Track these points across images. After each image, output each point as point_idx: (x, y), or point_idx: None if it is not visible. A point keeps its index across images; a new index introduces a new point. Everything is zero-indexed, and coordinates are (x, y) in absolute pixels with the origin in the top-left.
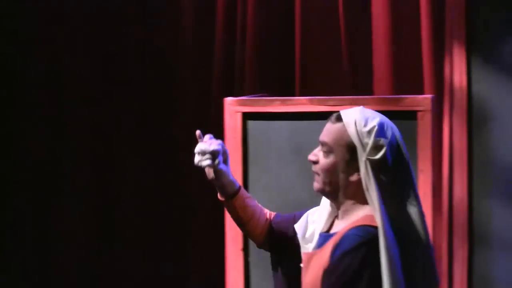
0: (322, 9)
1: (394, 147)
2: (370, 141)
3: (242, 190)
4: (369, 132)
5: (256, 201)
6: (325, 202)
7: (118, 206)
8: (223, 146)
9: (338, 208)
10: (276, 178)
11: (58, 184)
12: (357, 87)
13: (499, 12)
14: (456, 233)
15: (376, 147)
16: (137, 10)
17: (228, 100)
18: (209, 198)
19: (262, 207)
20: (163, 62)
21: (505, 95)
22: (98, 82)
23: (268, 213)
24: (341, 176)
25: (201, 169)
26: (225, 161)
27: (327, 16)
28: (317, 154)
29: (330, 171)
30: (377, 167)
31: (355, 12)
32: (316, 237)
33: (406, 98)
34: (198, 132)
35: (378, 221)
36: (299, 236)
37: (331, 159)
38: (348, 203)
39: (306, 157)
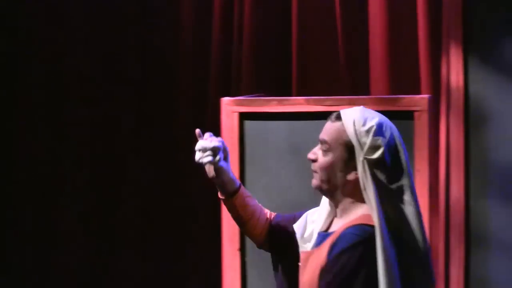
0: (319, 9)
1: (392, 147)
2: (368, 141)
3: (243, 188)
4: (367, 131)
5: (256, 201)
6: (325, 202)
7: (118, 206)
8: (223, 143)
9: (336, 206)
10: (273, 178)
11: (58, 184)
12: (354, 87)
13: (496, 12)
14: (453, 233)
15: (374, 147)
16: (136, 10)
17: (225, 100)
18: (209, 198)
19: (262, 207)
20: (160, 62)
21: (502, 95)
22: (97, 82)
23: (269, 213)
24: (339, 174)
25: (201, 168)
26: (225, 159)
27: (324, 16)
28: (317, 152)
29: (328, 170)
30: (374, 166)
31: (352, 12)
32: (314, 237)
33: (403, 98)
34: (197, 130)
35: (375, 220)
36: (298, 236)
37: (329, 157)
38: (346, 201)
39: (304, 157)
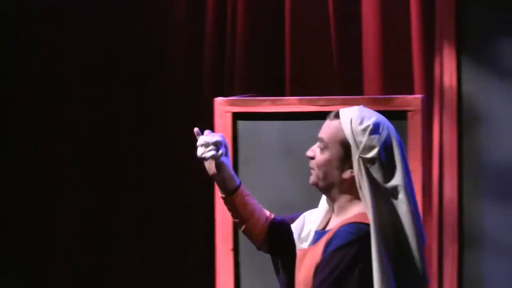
0: (312, 8)
1: (388, 147)
2: (363, 140)
3: (243, 187)
4: (364, 130)
5: (256, 200)
6: (323, 201)
7: (118, 206)
8: (224, 139)
9: (333, 204)
10: (266, 178)
11: (58, 184)
12: (348, 87)
13: (489, 12)
14: (446, 233)
15: (370, 146)
16: (129, 11)
17: (218, 100)
18: (209, 198)
19: (262, 207)
20: (152, 63)
21: (495, 95)
22: (90, 81)
23: (268, 213)
24: (335, 172)
25: (200, 166)
26: (226, 154)
27: (318, 16)
28: (315, 150)
29: (325, 167)
30: (370, 165)
31: (345, 11)
32: (311, 235)
33: (396, 98)
34: (196, 129)
35: (370, 219)
36: (295, 236)
37: (326, 155)
38: (343, 199)
39: (297, 157)
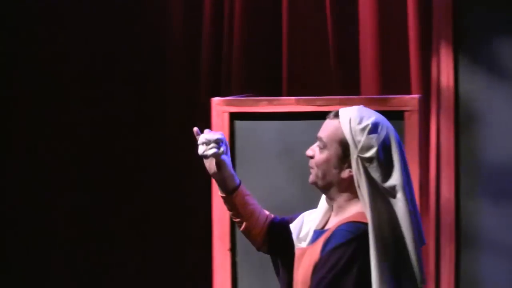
0: (310, 9)
1: (386, 146)
2: (362, 139)
3: (243, 186)
4: (362, 130)
5: (256, 200)
6: (323, 201)
7: (117, 206)
8: (224, 137)
9: (332, 203)
10: (263, 178)
11: (57, 184)
12: (345, 87)
13: (486, 12)
14: (443, 232)
15: (368, 145)
16: (126, 11)
17: (215, 100)
18: (208, 197)
19: (262, 208)
20: (149, 62)
21: (492, 95)
22: (89, 81)
23: (267, 213)
24: (334, 171)
25: (200, 166)
26: (226, 153)
27: (315, 16)
28: (314, 149)
29: (324, 166)
30: (368, 165)
31: (342, 12)
32: (310, 235)
33: (393, 98)
34: (195, 129)
35: (368, 218)
36: (294, 235)
37: (325, 154)
38: (342, 199)
39: (294, 157)
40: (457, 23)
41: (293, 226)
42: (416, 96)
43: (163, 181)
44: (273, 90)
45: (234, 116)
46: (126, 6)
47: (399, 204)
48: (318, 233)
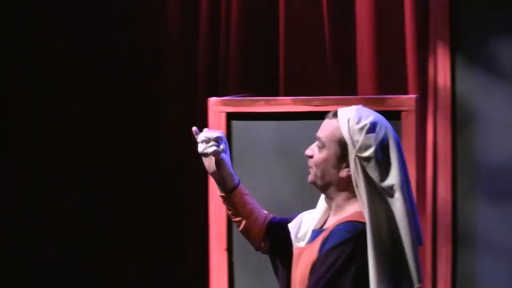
0: (306, 9)
1: (384, 146)
2: (360, 138)
3: (242, 185)
4: (361, 129)
5: (255, 200)
6: (321, 201)
7: (117, 206)
8: (224, 135)
9: (331, 203)
10: (260, 178)
11: (56, 184)
12: (342, 87)
13: (483, 12)
14: (440, 232)
15: (366, 145)
16: (123, 11)
17: (212, 100)
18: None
19: (260, 207)
20: (146, 62)
21: (489, 95)
22: (88, 81)
23: (266, 213)
24: (332, 171)
25: (198, 165)
26: (225, 151)
27: (311, 16)
28: (313, 148)
29: (322, 166)
30: (366, 164)
31: (339, 11)
32: (309, 234)
33: (390, 98)
34: (194, 128)
35: (366, 217)
36: (292, 235)
37: (323, 154)
38: (340, 198)
39: (291, 157)
40: (454, 23)
41: (291, 226)
42: (413, 96)
43: (160, 181)
44: (270, 90)
45: (231, 116)
46: (123, 6)
47: (397, 204)
48: (316, 233)
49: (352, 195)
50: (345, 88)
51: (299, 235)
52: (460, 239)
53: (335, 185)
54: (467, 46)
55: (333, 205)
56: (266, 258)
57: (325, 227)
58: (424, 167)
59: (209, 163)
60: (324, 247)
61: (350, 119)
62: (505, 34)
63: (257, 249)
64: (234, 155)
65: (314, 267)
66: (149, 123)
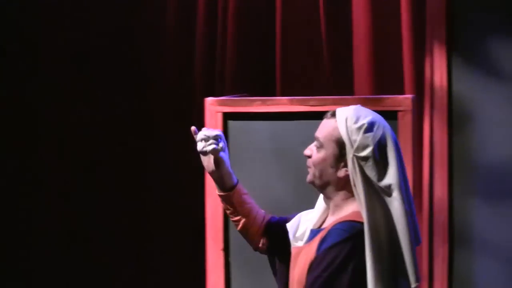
0: (303, 9)
1: (382, 146)
2: (358, 138)
3: (240, 185)
4: (358, 129)
5: (253, 200)
6: (320, 201)
7: (116, 205)
8: (222, 134)
9: (329, 203)
10: (257, 178)
11: (56, 184)
12: (338, 87)
13: (479, 12)
14: (437, 232)
15: (364, 145)
16: (120, 10)
17: (209, 100)
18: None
19: (259, 207)
20: (142, 62)
21: (486, 95)
22: (77, 80)
23: (265, 213)
24: (331, 171)
25: (194, 165)
26: (224, 150)
27: (308, 16)
28: (312, 148)
29: (320, 165)
30: (364, 163)
31: (335, 11)
32: (307, 234)
33: (387, 98)
34: (193, 128)
35: (364, 217)
36: (290, 234)
37: (322, 153)
38: (339, 198)
39: (288, 157)
40: (450, 23)
41: (289, 225)
42: (409, 96)
43: (157, 181)
44: (267, 90)
45: (227, 116)
46: (120, 6)
47: (395, 203)
48: (314, 232)
49: (351, 194)
50: (341, 88)
51: (297, 234)
52: (456, 238)
53: (334, 184)
54: (464, 46)
55: (332, 204)
56: (262, 259)
57: (323, 226)
58: (421, 167)
59: (208, 162)
60: (322, 246)
61: (348, 119)
62: (501, 34)
63: (256, 249)
64: (231, 155)
65: (312, 266)
66: (145, 123)
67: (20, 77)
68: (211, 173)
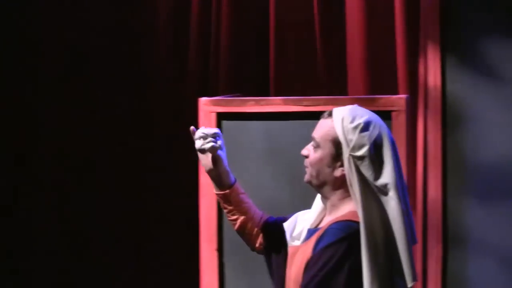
0: (297, 9)
1: (378, 145)
2: (354, 138)
3: (238, 184)
4: (354, 128)
5: (251, 200)
6: (317, 201)
7: (116, 205)
8: (220, 132)
9: (326, 202)
10: (250, 178)
11: (55, 184)
12: (332, 87)
13: (473, 12)
14: (431, 232)
15: (360, 144)
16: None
17: (203, 101)
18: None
19: (256, 207)
20: (137, 62)
21: (479, 95)
22: (77, 80)
23: (262, 213)
24: (327, 170)
25: (191, 165)
26: (222, 148)
27: (302, 16)
28: (309, 148)
29: (317, 165)
30: (360, 163)
31: (329, 11)
32: (304, 233)
33: (381, 98)
34: (192, 127)
35: (360, 216)
36: (287, 234)
37: (318, 153)
38: (335, 197)
39: (281, 157)
40: (444, 24)
41: (286, 225)
42: (403, 96)
43: (157, 181)
44: (261, 90)
45: (221, 116)
46: (114, 5)
47: (391, 203)
48: (311, 232)
49: (347, 194)
50: (335, 88)
51: (294, 234)
52: (450, 238)
53: (330, 184)
54: (457, 46)
55: (329, 204)
56: (256, 259)
57: (320, 226)
58: (415, 167)
59: (206, 161)
60: (318, 246)
61: (344, 118)
62: (495, 34)
63: (253, 249)
64: None
65: (308, 265)
66: (145, 123)
67: (20, 77)
68: (209, 172)
